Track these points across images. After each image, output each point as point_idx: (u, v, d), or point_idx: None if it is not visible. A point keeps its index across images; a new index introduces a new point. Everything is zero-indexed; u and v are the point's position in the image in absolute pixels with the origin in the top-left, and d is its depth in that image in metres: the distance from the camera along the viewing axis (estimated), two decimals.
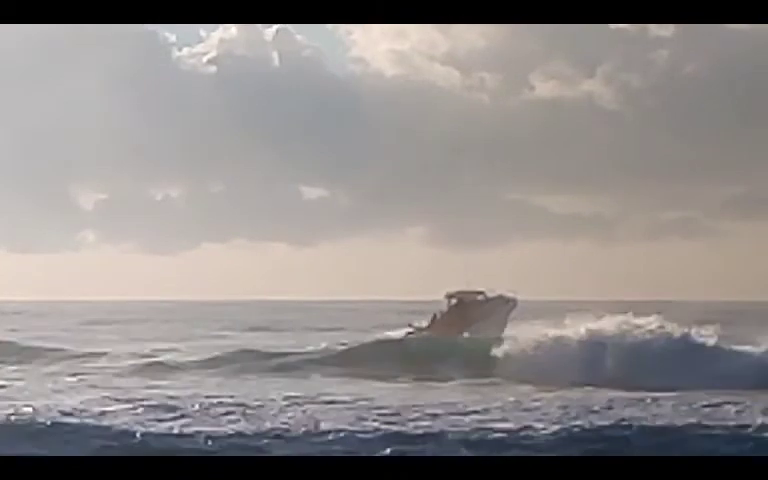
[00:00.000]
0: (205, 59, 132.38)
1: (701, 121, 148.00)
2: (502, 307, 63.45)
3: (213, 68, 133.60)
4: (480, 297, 63.70)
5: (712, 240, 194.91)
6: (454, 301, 63.52)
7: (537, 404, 25.82)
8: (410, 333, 60.88)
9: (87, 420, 21.49)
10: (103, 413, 22.98)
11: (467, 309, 62.81)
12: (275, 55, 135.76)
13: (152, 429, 20.05)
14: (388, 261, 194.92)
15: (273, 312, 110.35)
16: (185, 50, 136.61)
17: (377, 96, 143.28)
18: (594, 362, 37.73)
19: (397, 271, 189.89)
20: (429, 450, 17.72)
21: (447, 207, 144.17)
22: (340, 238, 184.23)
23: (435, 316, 62.93)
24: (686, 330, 41.33)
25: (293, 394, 27.71)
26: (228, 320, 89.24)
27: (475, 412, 23.81)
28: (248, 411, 23.60)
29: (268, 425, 20.86)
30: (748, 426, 20.43)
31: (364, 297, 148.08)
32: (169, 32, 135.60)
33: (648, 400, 26.72)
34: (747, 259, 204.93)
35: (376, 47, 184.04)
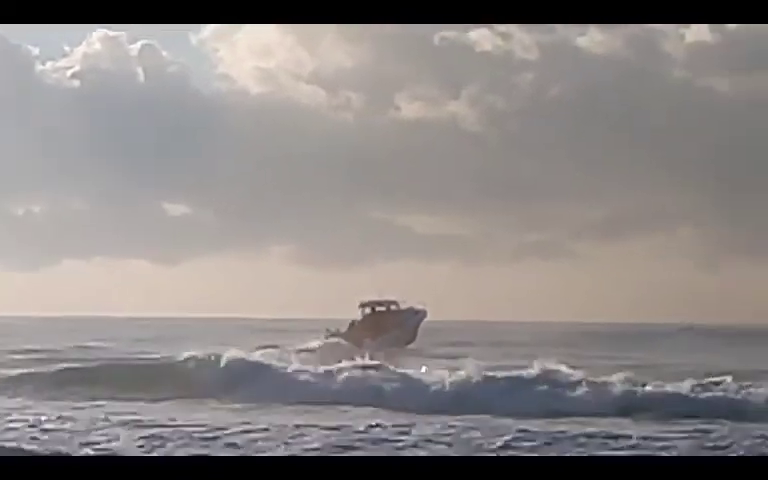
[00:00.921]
0: (69, 73, 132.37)
1: (563, 144, 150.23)
2: (412, 317, 67.84)
3: (77, 82, 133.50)
4: (393, 307, 67.94)
5: (572, 262, 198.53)
6: (368, 310, 67.53)
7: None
8: (327, 338, 63.73)
9: None
10: None
11: (381, 318, 66.78)
12: (140, 70, 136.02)
13: None
14: (252, 279, 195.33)
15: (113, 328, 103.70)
16: (48, 64, 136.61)
17: (242, 113, 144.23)
18: None
19: (261, 289, 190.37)
20: None
21: (312, 226, 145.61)
22: (204, 256, 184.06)
23: (353, 323, 66.75)
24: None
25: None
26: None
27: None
28: None
29: None
30: None
31: (225, 315, 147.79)
32: (32, 45, 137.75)
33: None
34: (606, 281, 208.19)
35: (242, 64, 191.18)
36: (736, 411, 26.28)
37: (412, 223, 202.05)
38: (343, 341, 62.19)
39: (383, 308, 67.81)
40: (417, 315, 67.68)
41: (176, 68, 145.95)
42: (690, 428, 21.57)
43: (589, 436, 20.15)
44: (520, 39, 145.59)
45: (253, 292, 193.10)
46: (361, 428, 21.37)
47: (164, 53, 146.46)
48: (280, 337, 73.14)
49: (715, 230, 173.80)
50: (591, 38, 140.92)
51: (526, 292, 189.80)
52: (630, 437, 19.97)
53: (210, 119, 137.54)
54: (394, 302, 68.25)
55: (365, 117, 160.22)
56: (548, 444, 19.16)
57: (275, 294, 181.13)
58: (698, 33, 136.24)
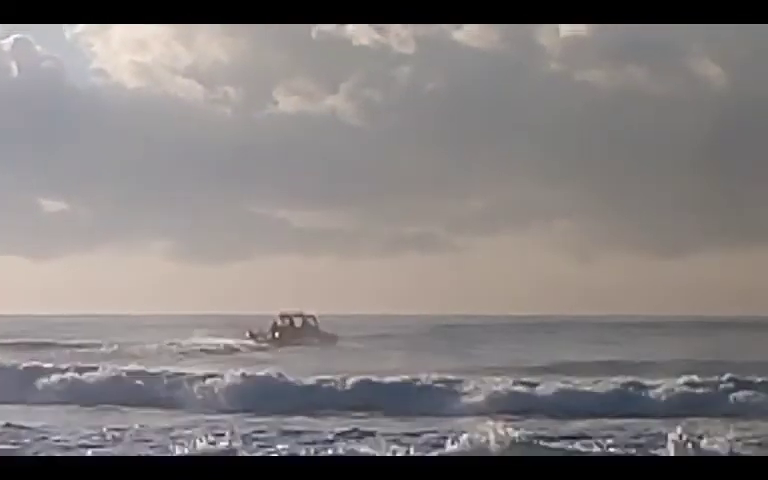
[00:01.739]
0: None
1: (441, 138, 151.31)
2: (317, 330, 75.35)
3: None
4: (310, 320, 75.83)
5: (451, 255, 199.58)
6: (287, 321, 75.51)
7: None
8: (249, 339, 72.89)
9: None
10: None
11: (301, 330, 74.45)
12: (13, 65, 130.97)
13: None
14: (131, 275, 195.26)
15: None
16: None
17: (119, 108, 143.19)
18: None
19: (140, 285, 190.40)
20: None
21: (191, 221, 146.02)
22: (81, 252, 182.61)
23: (274, 328, 75.09)
24: None
25: None
26: None
27: None
28: None
29: None
30: None
31: (103, 311, 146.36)
32: None
33: None
34: (483, 273, 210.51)
35: (117, 59, 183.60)
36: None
37: (290, 217, 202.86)
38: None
39: (300, 321, 76.03)
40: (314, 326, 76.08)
41: (51, 63, 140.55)
42: None
43: None
44: (397, 33, 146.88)
45: (132, 288, 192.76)
46: None
47: (38, 48, 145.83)
48: (162, 332, 76.85)
49: (591, 223, 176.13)
50: (468, 32, 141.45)
51: (405, 285, 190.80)
52: None
53: (86, 114, 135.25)
54: (312, 316, 76.57)
55: (243, 111, 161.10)
56: None
57: (155, 290, 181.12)
58: (573, 27, 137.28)
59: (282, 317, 76.38)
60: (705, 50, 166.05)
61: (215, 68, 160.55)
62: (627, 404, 30.66)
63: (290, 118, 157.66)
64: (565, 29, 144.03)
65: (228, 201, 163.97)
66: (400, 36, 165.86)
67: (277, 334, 74.97)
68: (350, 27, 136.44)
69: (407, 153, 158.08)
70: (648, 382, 32.34)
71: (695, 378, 32.51)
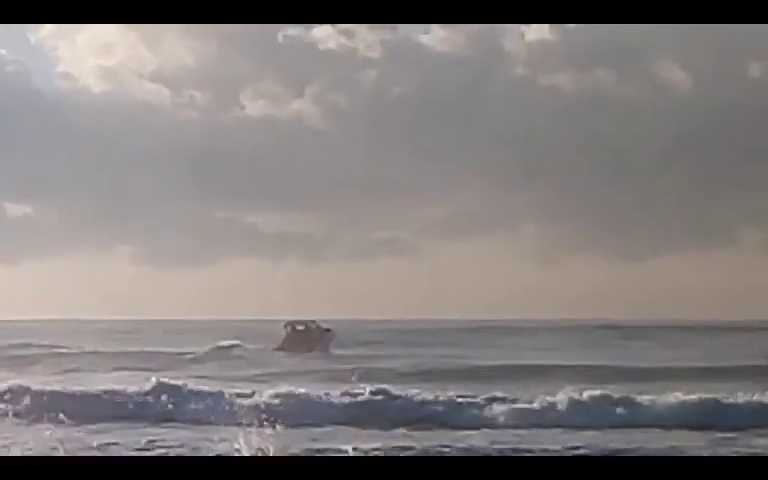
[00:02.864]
0: None
1: (406, 142, 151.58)
2: (326, 336, 76.97)
3: None
4: (312, 326, 77.89)
5: (418, 260, 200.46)
6: (301, 327, 77.60)
7: None
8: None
9: None
10: None
11: (306, 336, 76.38)
12: None
13: None
14: (96, 279, 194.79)
15: None
16: None
17: (85, 112, 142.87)
18: None
19: (106, 289, 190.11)
20: None
21: (157, 225, 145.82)
22: (46, 256, 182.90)
23: (286, 337, 76.53)
24: None
25: None
26: None
27: None
28: None
29: None
30: None
31: (67, 316, 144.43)
32: None
33: None
34: (448, 277, 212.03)
35: (83, 63, 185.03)
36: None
37: (257, 221, 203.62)
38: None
39: (303, 327, 77.90)
40: (329, 333, 77.57)
41: (15, 67, 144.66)
42: None
43: None
44: (363, 37, 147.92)
45: (98, 293, 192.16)
46: None
47: (3, 51, 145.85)
48: (128, 339, 76.99)
49: (556, 227, 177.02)
50: (434, 36, 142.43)
51: (373, 290, 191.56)
52: None
53: (52, 118, 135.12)
54: (313, 322, 78.92)
55: (209, 115, 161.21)
56: None
57: (121, 295, 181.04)
58: (539, 31, 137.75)
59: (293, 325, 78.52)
60: (670, 55, 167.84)
61: (181, 72, 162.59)
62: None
63: (256, 122, 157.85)
64: (531, 33, 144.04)
65: (195, 205, 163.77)
66: (366, 40, 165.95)
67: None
68: (316, 31, 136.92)
69: (374, 158, 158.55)
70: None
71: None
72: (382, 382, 34.53)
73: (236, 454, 17.43)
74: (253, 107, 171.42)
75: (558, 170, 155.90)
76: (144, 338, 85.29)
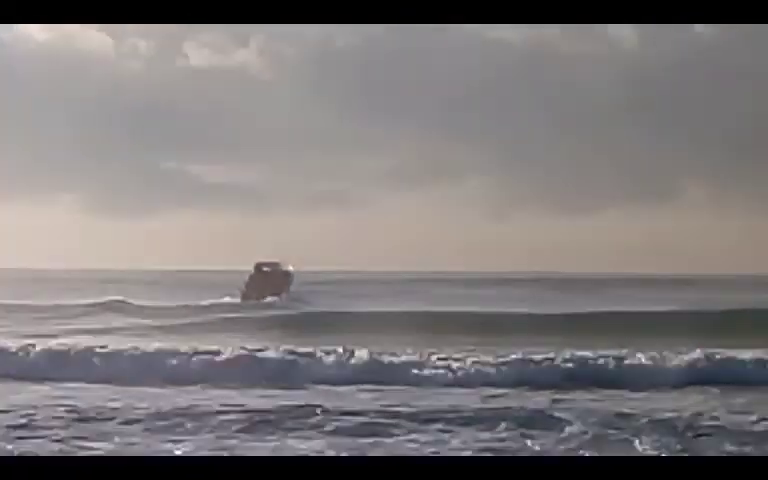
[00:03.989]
0: None
1: (352, 93, 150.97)
2: (288, 277, 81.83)
3: None
4: (278, 268, 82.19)
5: (363, 211, 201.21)
6: (267, 269, 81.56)
7: None
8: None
9: None
10: None
11: (271, 276, 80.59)
12: None
13: None
14: (40, 228, 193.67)
15: None
16: None
17: (28, 60, 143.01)
18: None
19: (50, 239, 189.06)
20: None
21: (101, 174, 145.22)
22: None
23: (250, 278, 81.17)
24: None
25: None
26: None
27: None
28: None
29: None
30: None
31: (7, 265, 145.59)
32: None
33: None
34: (394, 230, 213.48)
35: None
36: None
37: (202, 172, 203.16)
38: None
39: (268, 268, 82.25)
40: (290, 275, 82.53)
41: None
42: None
43: None
44: None
45: (41, 241, 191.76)
46: None
47: None
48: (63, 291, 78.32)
49: (503, 180, 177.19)
50: None
51: (318, 240, 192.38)
52: None
53: None
54: (277, 263, 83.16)
55: (153, 65, 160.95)
56: None
57: (64, 243, 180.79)
58: None
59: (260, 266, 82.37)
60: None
61: None
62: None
63: (200, 72, 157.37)
64: None
65: (138, 155, 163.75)
66: None
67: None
68: None
69: (318, 109, 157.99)
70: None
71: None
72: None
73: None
74: (197, 57, 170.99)
75: (504, 124, 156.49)
76: (65, 289, 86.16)
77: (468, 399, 24.53)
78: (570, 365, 29.61)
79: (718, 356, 30.64)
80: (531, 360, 29.71)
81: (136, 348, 31.84)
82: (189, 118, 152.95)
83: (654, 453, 17.45)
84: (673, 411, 21.81)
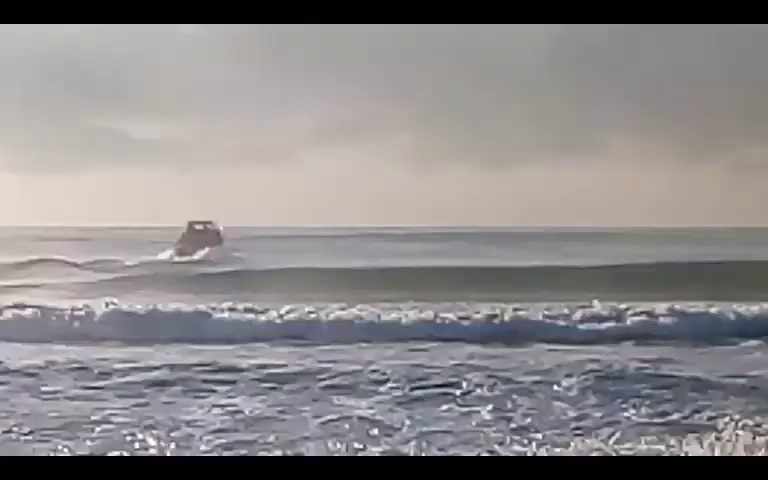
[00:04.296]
0: None
1: (280, 53, 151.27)
2: (219, 236, 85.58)
3: None
4: (209, 226, 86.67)
5: (290, 168, 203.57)
6: (200, 227, 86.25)
7: None
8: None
9: None
10: None
11: (204, 233, 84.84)
12: None
13: None
14: None
15: None
16: None
17: None
18: None
19: None
20: None
21: (27, 132, 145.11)
22: None
23: (183, 235, 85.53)
24: None
25: None
26: None
27: None
28: None
29: None
30: None
31: None
32: None
33: None
34: (323, 186, 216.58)
35: None
36: None
37: (127, 128, 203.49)
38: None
39: (201, 227, 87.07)
40: (219, 235, 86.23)
41: None
42: None
43: None
44: None
45: None
46: None
47: None
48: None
49: (429, 136, 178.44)
50: None
51: (245, 197, 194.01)
52: None
53: None
54: (210, 221, 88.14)
55: (81, 23, 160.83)
56: None
57: None
58: None
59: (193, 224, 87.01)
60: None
61: None
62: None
63: (128, 31, 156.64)
64: None
65: (63, 111, 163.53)
66: None
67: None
68: None
69: (246, 68, 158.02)
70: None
71: None
72: None
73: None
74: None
75: (430, 79, 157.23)
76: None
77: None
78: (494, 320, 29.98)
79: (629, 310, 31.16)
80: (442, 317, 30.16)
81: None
82: (117, 75, 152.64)
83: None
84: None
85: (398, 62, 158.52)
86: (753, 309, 32.63)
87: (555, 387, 20.81)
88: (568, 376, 21.78)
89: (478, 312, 30.86)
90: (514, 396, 19.92)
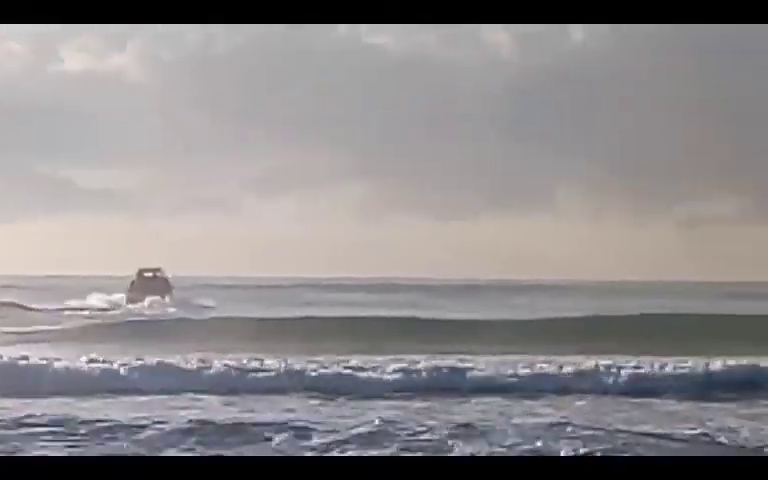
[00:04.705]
0: None
1: (229, 100, 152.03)
2: (167, 284, 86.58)
3: None
4: (158, 274, 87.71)
5: (240, 216, 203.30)
6: (149, 274, 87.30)
7: None
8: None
9: None
10: None
11: (152, 281, 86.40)
12: None
13: None
14: None
15: None
16: None
17: None
18: None
19: None
20: None
21: None
22: None
23: (133, 283, 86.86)
24: None
25: None
26: None
27: None
28: None
29: None
30: None
31: None
32: None
33: None
34: (272, 235, 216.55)
35: None
36: None
37: (75, 177, 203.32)
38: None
39: (150, 274, 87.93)
40: (167, 282, 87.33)
41: None
42: None
43: None
44: None
45: None
46: None
47: None
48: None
49: (379, 186, 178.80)
50: None
51: (192, 246, 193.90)
52: None
53: None
54: (159, 269, 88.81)
55: (29, 68, 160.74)
56: None
57: None
58: None
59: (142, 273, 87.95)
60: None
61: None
62: None
63: (76, 76, 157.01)
64: None
65: (11, 159, 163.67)
66: None
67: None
68: None
69: (193, 114, 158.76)
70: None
71: None
72: None
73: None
74: (72, 61, 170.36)
75: (379, 129, 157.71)
76: None
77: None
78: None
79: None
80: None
81: None
82: (64, 122, 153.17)
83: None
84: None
85: (343, 107, 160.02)
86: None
87: None
88: None
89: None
90: None
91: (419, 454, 17.56)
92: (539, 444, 18.00)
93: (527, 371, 28.96)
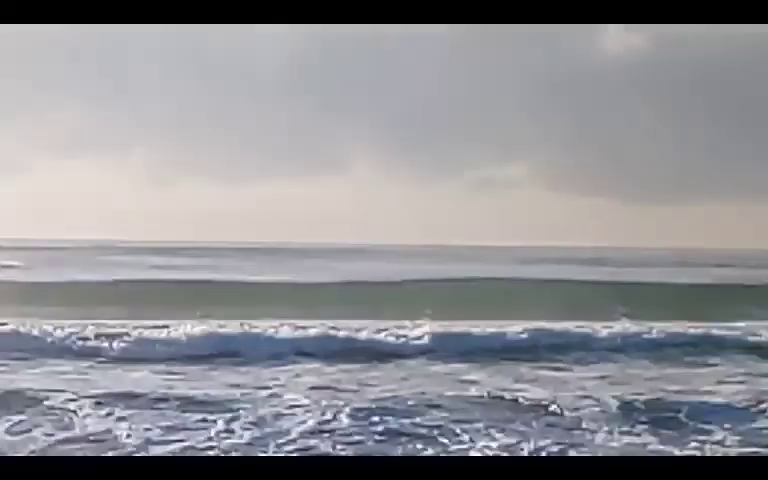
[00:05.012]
0: None
1: (17, 58, 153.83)
2: None
3: None
4: None
5: (27, 177, 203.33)
6: None
7: None
8: None
9: None
10: None
11: None
12: None
13: None
14: None
15: None
16: None
17: None
18: None
19: None
20: None
21: None
22: None
23: None
24: None
25: None
26: None
27: None
28: None
29: None
30: None
31: None
32: None
33: None
34: (58, 197, 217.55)
35: None
36: None
37: None
38: None
39: None
40: None
41: None
42: None
43: None
44: None
45: None
46: None
47: None
48: None
49: (169, 150, 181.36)
50: None
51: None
52: None
53: None
54: None
55: None
56: None
57: None
58: None
59: None
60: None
61: None
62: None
63: None
64: None
65: None
66: None
67: None
68: None
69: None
70: None
71: None
72: None
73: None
74: None
75: (174, 93, 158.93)
76: None
77: None
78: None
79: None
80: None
81: None
82: None
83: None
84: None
85: (125, 71, 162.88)
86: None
87: None
88: None
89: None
90: None
91: (413, 454, 17.59)
92: None
93: None
